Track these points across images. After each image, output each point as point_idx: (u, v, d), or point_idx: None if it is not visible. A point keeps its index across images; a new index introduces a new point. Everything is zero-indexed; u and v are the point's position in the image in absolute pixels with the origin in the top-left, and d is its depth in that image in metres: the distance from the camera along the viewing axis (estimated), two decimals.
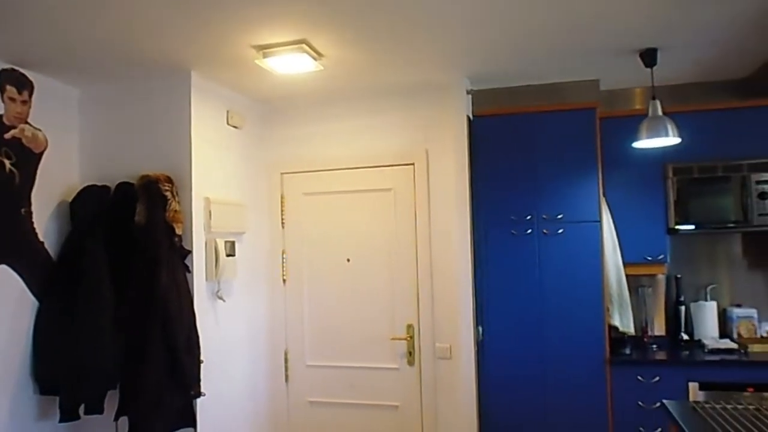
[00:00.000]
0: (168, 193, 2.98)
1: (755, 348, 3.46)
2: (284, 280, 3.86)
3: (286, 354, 3.85)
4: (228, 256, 3.32)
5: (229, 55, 2.91)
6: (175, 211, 2.99)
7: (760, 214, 3.49)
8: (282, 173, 3.89)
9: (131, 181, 3.06)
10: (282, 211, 3.88)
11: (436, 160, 3.59)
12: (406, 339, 3.62)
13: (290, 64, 2.98)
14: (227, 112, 3.50)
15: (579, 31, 2.82)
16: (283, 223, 3.88)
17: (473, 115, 3.65)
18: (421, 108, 3.63)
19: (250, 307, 3.69)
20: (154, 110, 3.20)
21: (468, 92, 3.54)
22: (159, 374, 2.81)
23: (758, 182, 3.50)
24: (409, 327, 3.61)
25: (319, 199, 3.83)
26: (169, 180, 3.03)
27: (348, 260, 3.74)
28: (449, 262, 3.51)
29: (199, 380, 2.98)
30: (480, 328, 3.54)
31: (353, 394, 3.71)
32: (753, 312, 3.70)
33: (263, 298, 3.85)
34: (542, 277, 3.52)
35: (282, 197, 3.88)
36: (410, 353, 3.61)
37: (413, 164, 3.63)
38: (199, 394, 2.97)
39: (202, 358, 3.00)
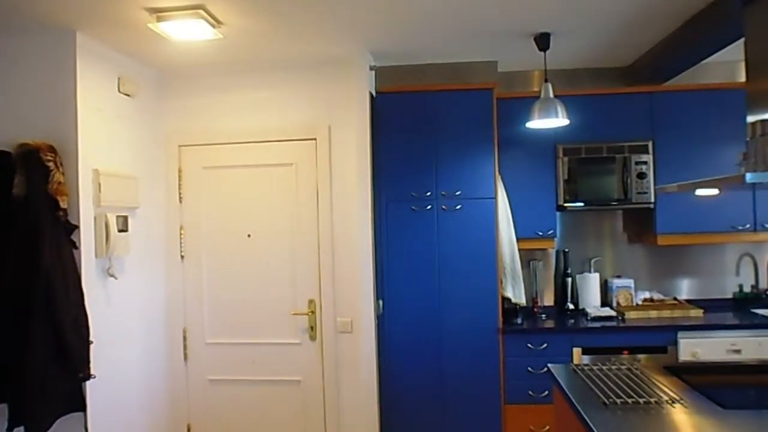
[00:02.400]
0: (51, 164, 2.77)
1: (631, 315, 3.77)
2: (182, 257, 3.73)
3: (184, 332, 3.74)
4: (120, 231, 3.16)
5: (119, 16, 2.74)
6: (59, 182, 2.79)
7: (639, 193, 3.78)
8: (180, 146, 3.74)
9: (8, 150, 2.81)
10: (180, 185, 3.73)
11: (339, 135, 3.59)
12: (307, 314, 3.62)
13: (187, 31, 2.85)
14: (119, 78, 3.30)
15: (477, 13, 2.90)
16: (180, 197, 3.74)
17: (376, 92, 3.67)
18: (324, 82, 3.61)
19: (145, 285, 3.54)
20: (34, 73, 2.95)
21: (371, 68, 3.54)
22: (44, 357, 2.65)
23: (637, 163, 3.78)
24: (311, 302, 3.62)
25: (218, 174, 3.72)
26: (52, 149, 2.82)
27: (249, 236, 3.68)
28: (350, 237, 3.54)
29: (88, 362, 2.83)
30: (380, 302, 3.61)
31: (255, 370, 3.68)
32: (630, 282, 4.03)
33: (160, 275, 3.71)
34: (440, 251, 3.63)
35: (180, 171, 3.74)
36: (312, 328, 3.62)
37: (315, 139, 3.61)
38: (88, 377, 2.83)
39: (91, 338, 2.85)
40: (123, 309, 3.30)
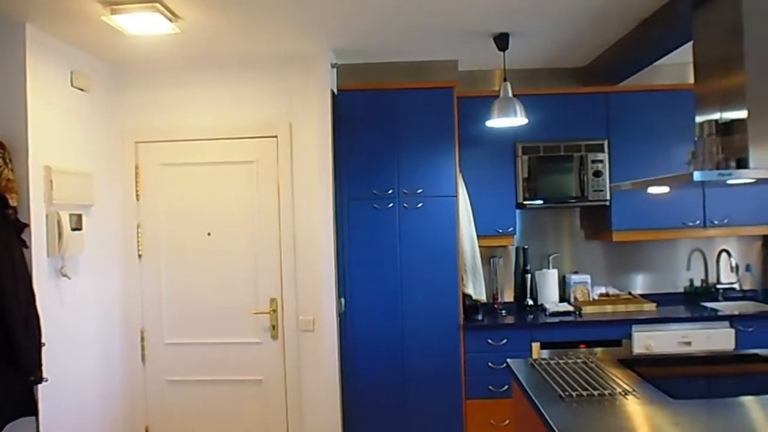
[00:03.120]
0: None
1: (588, 310, 3.87)
2: (140, 255, 3.65)
3: (142, 333, 3.66)
4: (73, 230, 3.07)
5: (71, 8, 2.65)
6: (8, 179, 2.69)
7: (595, 190, 3.88)
8: (137, 142, 3.65)
9: None
10: (137, 182, 3.65)
11: (300, 133, 3.56)
12: (269, 313, 3.59)
13: (143, 24, 2.79)
14: (71, 72, 3.20)
15: (437, 12, 2.92)
16: (138, 195, 3.65)
17: (338, 90, 3.67)
18: (285, 79, 3.58)
19: (100, 285, 3.45)
20: None
21: (332, 66, 3.54)
22: None
23: (594, 161, 3.88)
24: (273, 300, 3.59)
25: (177, 171, 3.65)
26: (1, 145, 2.72)
27: (209, 234, 3.63)
28: (312, 235, 3.53)
29: (40, 365, 2.74)
30: (342, 300, 3.61)
31: (215, 370, 3.63)
32: (587, 278, 4.13)
33: (116, 274, 3.62)
34: (402, 249, 3.65)
35: (137, 168, 3.65)
36: (274, 327, 3.59)
37: (276, 137, 3.58)
38: (40, 380, 2.74)
39: (43, 340, 2.76)
40: (77, 309, 3.21)
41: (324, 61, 3.45)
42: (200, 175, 3.64)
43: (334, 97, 3.60)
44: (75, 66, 3.24)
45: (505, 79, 3.40)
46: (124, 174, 3.65)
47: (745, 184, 2.56)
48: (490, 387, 3.62)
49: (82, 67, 3.30)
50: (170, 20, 2.77)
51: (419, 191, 3.65)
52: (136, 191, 3.65)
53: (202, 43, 3.23)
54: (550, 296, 4.07)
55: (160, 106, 3.65)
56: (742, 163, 2.19)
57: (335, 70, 3.63)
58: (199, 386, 3.65)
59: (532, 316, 3.85)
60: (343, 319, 3.63)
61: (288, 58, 3.53)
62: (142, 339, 3.66)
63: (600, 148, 3.87)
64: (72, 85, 3.21)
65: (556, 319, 3.73)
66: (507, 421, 3.58)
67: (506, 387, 3.55)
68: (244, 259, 3.62)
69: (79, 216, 3.15)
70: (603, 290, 4.13)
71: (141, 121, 3.65)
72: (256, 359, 3.62)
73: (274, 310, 3.59)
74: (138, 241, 3.65)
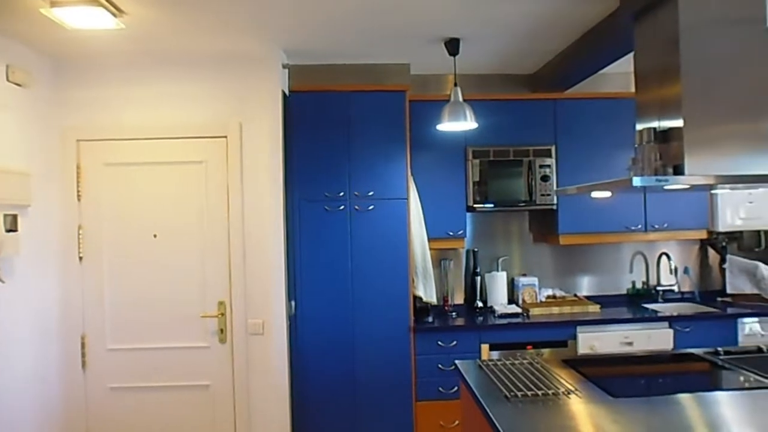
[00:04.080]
0: None
1: (535, 311, 3.95)
2: (80, 258, 3.52)
3: (83, 338, 3.53)
4: (8, 231, 2.93)
5: None
6: None
7: (542, 195, 3.97)
8: (78, 140, 3.52)
9: None
10: (78, 182, 3.51)
11: (251, 133, 3.51)
12: (217, 316, 3.52)
13: (84, 19, 2.69)
14: (7, 66, 3.06)
15: (388, 16, 2.93)
16: (79, 195, 3.52)
17: (289, 90, 3.63)
18: (236, 79, 3.51)
19: (38, 288, 3.30)
20: None
21: (284, 66, 3.50)
22: None
23: (541, 166, 3.97)
24: (221, 304, 3.52)
25: (122, 171, 3.53)
26: None
27: (155, 236, 3.53)
28: (262, 237, 3.48)
29: None
30: (293, 303, 3.58)
31: (160, 376, 3.53)
32: (535, 280, 4.22)
33: (55, 277, 3.47)
34: (353, 251, 3.64)
35: (78, 167, 3.52)
36: (222, 330, 3.52)
37: (226, 137, 3.51)
38: None
39: None
40: (12, 314, 3.07)
41: (275, 62, 3.41)
42: (146, 176, 3.53)
43: (286, 98, 3.57)
44: (11, 60, 3.10)
45: (455, 84, 3.44)
46: (65, 173, 3.50)
47: (681, 189, 2.67)
48: (440, 388, 3.65)
49: (19, 61, 3.16)
50: (114, 15, 2.68)
51: (370, 194, 3.65)
52: (78, 191, 3.51)
53: (148, 40, 3.15)
54: (499, 298, 4.14)
55: (104, 104, 3.53)
56: (679, 170, 2.28)
57: (287, 70, 3.60)
58: (143, 393, 3.54)
59: (481, 318, 3.90)
60: (294, 322, 3.59)
61: (238, 57, 3.47)
62: (83, 345, 3.52)
63: (548, 154, 3.97)
64: (8, 79, 3.07)
65: (504, 321, 3.79)
66: (456, 422, 3.61)
67: (456, 388, 3.58)
68: (192, 261, 3.53)
69: (14, 216, 3.01)
70: (550, 292, 4.22)
71: (83, 119, 3.52)
72: (203, 364, 3.54)
73: (223, 314, 3.52)
74: (79, 243, 3.51)
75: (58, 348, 3.48)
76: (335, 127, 3.65)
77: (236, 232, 3.51)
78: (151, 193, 3.53)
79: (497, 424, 1.84)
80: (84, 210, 3.52)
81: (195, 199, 3.53)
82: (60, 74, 3.50)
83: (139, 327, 3.53)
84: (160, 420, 3.53)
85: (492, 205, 3.95)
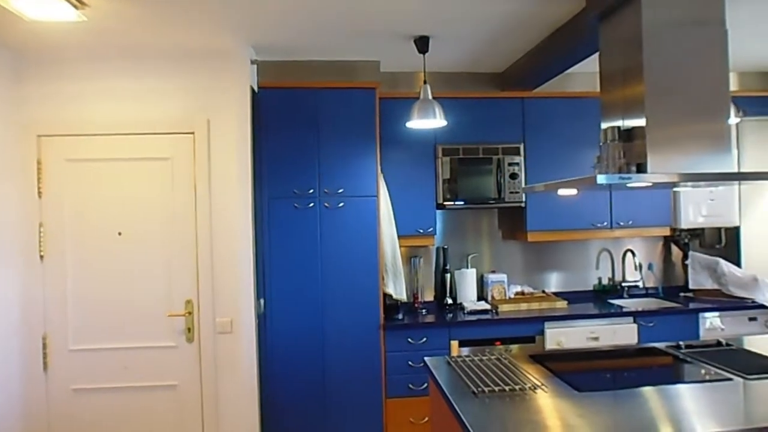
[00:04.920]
0: None
1: (504, 308, 3.99)
2: (41, 256, 3.42)
3: (44, 339, 3.43)
4: None
5: None
6: None
7: (511, 192, 4.01)
8: (39, 136, 3.42)
9: None
10: (39, 178, 3.42)
11: (218, 129, 3.46)
12: (184, 315, 3.47)
13: (44, 10, 2.61)
14: None
15: (358, 12, 2.92)
16: (40, 192, 3.42)
17: (258, 87, 3.60)
18: (203, 74, 3.46)
19: None
20: None
21: (253, 62, 3.46)
22: None
23: (510, 164, 4.01)
24: (188, 302, 3.47)
25: (85, 167, 3.45)
26: None
27: (120, 234, 3.45)
28: (230, 235, 3.44)
29: None
30: (262, 301, 3.55)
31: (126, 377, 3.46)
32: (504, 277, 4.26)
33: (14, 277, 3.37)
34: (323, 249, 3.63)
35: (39, 163, 3.42)
36: (189, 329, 3.47)
37: (193, 133, 3.46)
38: None
39: None
40: None
41: (243, 57, 3.37)
42: (110, 172, 3.46)
43: (255, 94, 3.53)
44: None
45: (425, 82, 3.45)
46: (25, 170, 3.40)
47: (644, 187, 2.73)
48: (410, 385, 3.66)
49: None
50: (75, 7, 2.62)
51: (340, 191, 3.64)
52: (38, 188, 3.42)
53: (112, 33, 3.08)
54: (468, 295, 4.17)
55: (66, 98, 3.44)
56: (642, 168, 2.33)
57: (255, 66, 3.56)
58: (108, 394, 3.46)
59: (451, 315, 3.93)
60: (263, 320, 3.56)
61: (206, 53, 3.42)
62: (44, 345, 3.43)
63: (516, 152, 4.01)
64: None
65: (474, 318, 3.82)
66: (426, 419, 3.63)
67: (425, 385, 3.60)
68: (158, 259, 3.47)
69: None
70: (519, 289, 4.27)
71: (44, 114, 3.42)
72: (170, 364, 3.48)
73: (190, 312, 3.47)
74: (40, 242, 3.42)
75: (18, 348, 3.39)
76: (305, 124, 3.63)
77: (204, 230, 3.46)
78: (115, 190, 3.46)
79: (464, 420, 1.85)
80: (45, 207, 3.43)
81: (161, 196, 3.47)
82: (19, 68, 3.40)
83: (103, 326, 3.46)
84: (125, 422, 3.46)
85: (462, 203, 3.98)
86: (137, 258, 3.46)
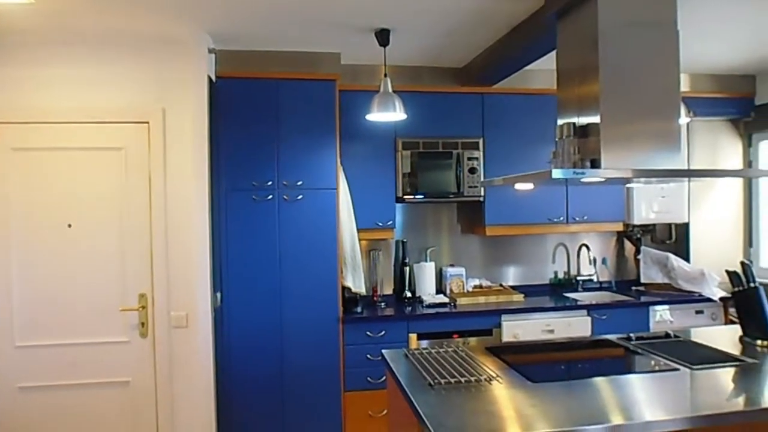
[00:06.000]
0: None
1: (462, 301, 4.03)
2: None
3: None
4: None
5: None
6: None
7: (470, 187, 4.04)
8: None
9: None
10: None
11: (174, 120, 3.38)
12: (138, 309, 3.38)
13: None
14: None
15: (318, 2, 2.89)
16: None
17: (216, 76, 3.52)
18: (159, 62, 3.37)
19: None
20: None
21: (210, 51, 3.39)
22: None
23: (469, 158, 4.04)
24: (142, 296, 3.39)
25: (33, 156, 3.32)
26: None
27: (69, 226, 3.34)
28: (186, 227, 3.37)
29: None
30: (218, 294, 3.49)
31: (76, 373, 3.36)
32: (462, 270, 4.31)
33: None
34: (282, 241, 3.59)
35: None
36: (143, 324, 3.39)
37: (148, 123, 3.37)
38: None
39: None
40: None
41: (200, 46, 3.30)
42: (59, 162, 3.34)
43: (212, 84, 3.46)
44: None
45: (385, 75, 3.44)
46: None
47: (598, 182, 2.79)
48: (369, 379, 3.67)
49: None
50: None
51: (299, 183, 3.60)
52: None
53: (61, 17, 2.96)
54: (427, 288, 4.19)
55: (13, 84, 3.29)
56: (596, 164, 2.38)
57: (213, 55, 3.48)
58: (57, 392, 3.35)
59: (409, 308, 3.94)
60: (219, 314, 3.51)
61: (161, 40, 3.33)
62: None
63: (475, 146, 4.04)
64: None
65: (432, 311, 3.84)
66: (384, 411, 3.64)
67: (384, 378, 3.60)
68: (111, 252, 3.37)
69: None
70: (477, 282, 4.32)
71: None
72: (123, 359, 3.39)
73: (144, 307, 3.39)
74: None
75: None
76: (264, 115, 3.57)
77: (159, 222, 3.38)
78: (65, 181, 3.34)
79: (420, 411, 1.86)
80: None
81: (114, 187, 3.37)
82: None
83: (52, 322, 3.34)
84: (75, 420, 3.36)
85: (421, 197, 3.99)
86: (88, 251, 3.36)
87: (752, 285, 2.62)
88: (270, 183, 3.57)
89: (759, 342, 2.60)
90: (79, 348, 3.36)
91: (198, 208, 3.31)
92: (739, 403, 1.95)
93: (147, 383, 3.41)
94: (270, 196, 3.57)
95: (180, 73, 3.36)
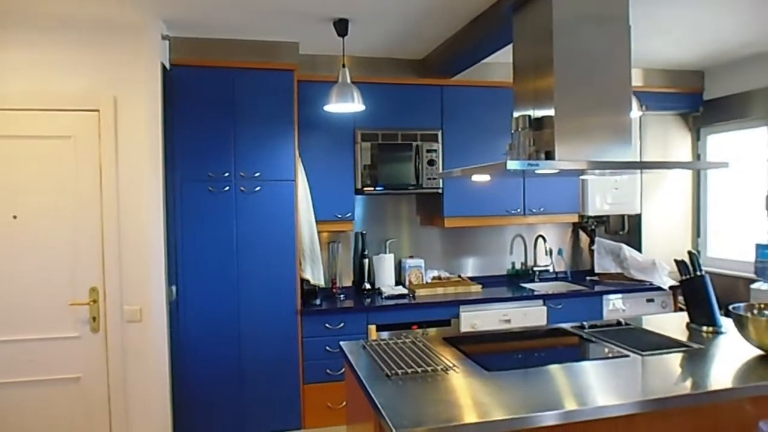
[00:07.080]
0: None
1: (421, 292, 4.05)
2: None
3: None
4: None
5: None
6: None
7: (429, 178, 4.06)
8: None
9: None
10: None
11: (126, 108, 3.28)
12: (89, 303, 3.28)
13: None
14: None
15: None
16: None
17: (171, 64, 3.43)
18: (110, 48, 3.26)
19: None
20: None
21: (164, 37, 3.29)
22: None
23: (428, 150, 4.06)
24: (93, 290, 3.29)
25: None
26: None
27: (15, 217, 3.21)
28: (139, 219, 3.28)
29: None
30: (174, 288, 3.41)
31: (23, 370, 3.23)
32: (421, 262, 4.33)
33: None
34: (239, 233, 3.54)
35: None
36: (94, 319, 3.29)
37: (98, 111, 3.25)
38: None
39: None
40: None
41: (153, 32, 3.20)
42: (4, 150, 3.19)
43: (167, 72, 3.37)
44: None
45: (343, 65, 3.41)
46: None
47: (552, 174, 2.84)
48: (328, 371, 3.66)
49: None
50: None
51: (257, 174, 3.55)
52: None
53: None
54: (386, 280, 4.20)
55: None
56: (550, 156, 2.42)
57: (167, 42, 3.39)
58: (3, 390, 3.23)
59: (369, 300, 3.95)
60: (175, 307, 3.43)
61: (112, 25, 3.21)
62: None
63: (434, 138, 4.06)
64: None
65: (391, 302, 3.85)
66: (344, 403, 3.64)
67: (343, 370, 3.60)
68: (59, 244, 3.26)
69: None
70: (436, 273, 4.36)
71: None
72: (73, 355, 3.29)
73: (95, 301, 3.29)
74: None
75: None
76: (220, 105, 3.50)
77: (110, 214, 3.28)
78: (9, 170, 3.20)
79: (377, 402, 1.86)
80: None
81: (62, 177, 3.25)
82: None
83: None
84: (23, 418, 3.24)
85: (381, 189, 3.99)
86: (35, 243, 3.23)
87: (699, 274, 2.72)
88: (227, 174, 3.51)
89: (705, 328, 2.71)
90: (26, 344, 3.23)
91: (152, 200, 3.23)
92: (686, 386, 2.02)
93: (99, 379, 3.32)
94: (227, 188, 3.51)
95: (132, 60, 3.25)
